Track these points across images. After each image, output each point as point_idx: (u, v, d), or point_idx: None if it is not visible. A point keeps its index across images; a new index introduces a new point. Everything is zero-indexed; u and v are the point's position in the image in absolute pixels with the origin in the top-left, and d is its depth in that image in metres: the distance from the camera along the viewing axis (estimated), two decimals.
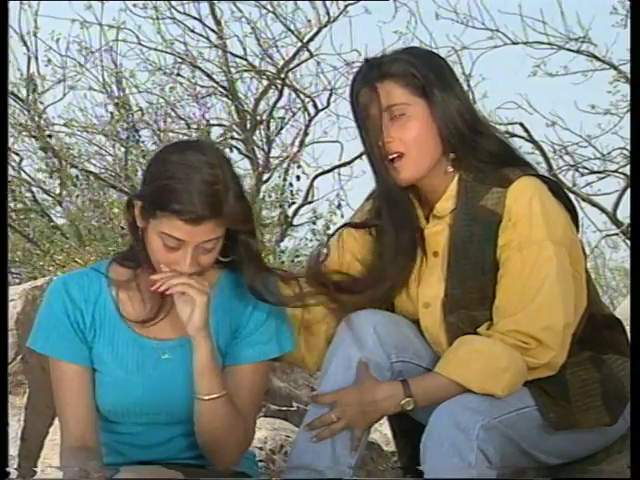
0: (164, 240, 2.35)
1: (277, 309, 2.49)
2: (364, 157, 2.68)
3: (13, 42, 9.19)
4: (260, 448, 3.36)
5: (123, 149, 9.49)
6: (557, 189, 2.60)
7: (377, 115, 2.56)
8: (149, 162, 2.48)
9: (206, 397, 2.36)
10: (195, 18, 9.60)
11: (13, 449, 3.62)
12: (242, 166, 9.62)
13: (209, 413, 2.37)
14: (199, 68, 9.75)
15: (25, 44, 9.57)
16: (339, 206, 9.68)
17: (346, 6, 9.38)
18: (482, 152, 2.58)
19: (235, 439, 2.43)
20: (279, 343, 2.49)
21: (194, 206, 2.31)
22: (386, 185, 2.60)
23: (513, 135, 9.20)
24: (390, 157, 2.56)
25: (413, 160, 2.56)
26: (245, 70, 9.76)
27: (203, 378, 2.36)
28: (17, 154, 9.65)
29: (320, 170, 9.79)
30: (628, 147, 9.27)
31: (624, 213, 9.66)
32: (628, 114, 9.26)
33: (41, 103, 9.65)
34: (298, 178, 9.73)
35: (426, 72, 2.56)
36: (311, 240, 9.65)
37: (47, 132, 9.44)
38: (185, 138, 8.62)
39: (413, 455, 2.47)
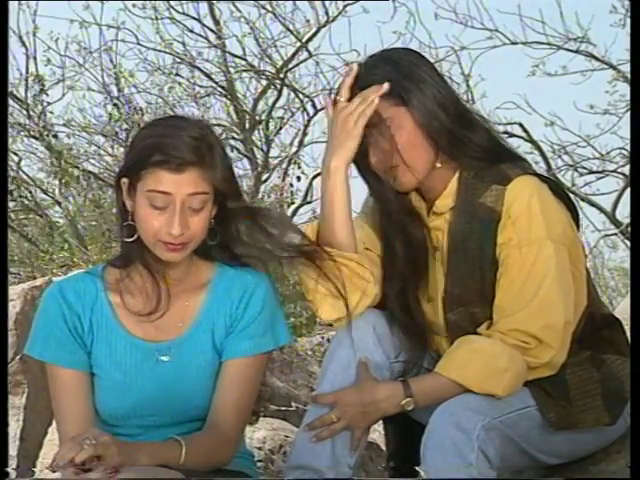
0: (151, 201, 2.35)
1: (272, 303, 2.49)
2: None
3: (11, 42, 9.20)
4: (259, 448, 3.37)
5: (122, 149, 9.48)
6: (557, 188, 2.60)
7: (364, 133, 2.56)
8: (133, 137, 2.50)
9: (180, 465, 2.33)
10: (194, 18, 9.60)
11: (12, 449, 3.62)
12: (241, 166, 9.64)
13: (190, 464, 2.34)
14: (198, 68, 9.75)
15: (24, 44, 9.57)
16: None
17: (345, 6, 9.38)
18: (473, 147, 2.57)
19: (221, 457, 2.42)
20: (274, 336, 2.48)
21: (177, 152, 2.33)
22: (381, 183, 2.61)
23: (512, 135, 9.20)
24: (386, 170, 2.57)
25: (409, 167, 2.56)
26: (244, 70, 9.76)
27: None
28: (16, 154, 9.65)
29: (319, 170, 9.78)
30: (627, 147, 9.27)
31: (623, 213, 9.66)
32: (627, 114, 9.26)
33: (48, 103, 9.65)
34: (299, 179, 9.74)
35: (401, 78, 2.55)
36: None
37: (52, 132, 9.45)
38: None
39: (407, 456, 2.48)
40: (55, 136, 9.50)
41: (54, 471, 2.21)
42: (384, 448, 3.42)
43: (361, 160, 2.60)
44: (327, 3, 9.35)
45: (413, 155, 2.55)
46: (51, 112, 9.65)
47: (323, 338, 5.63)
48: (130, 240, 2.42)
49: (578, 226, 2.63)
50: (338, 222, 2.59)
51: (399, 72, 2.56)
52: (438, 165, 2.58)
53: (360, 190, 2.72)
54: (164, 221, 2.35)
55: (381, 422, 2.73)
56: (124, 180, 2.41)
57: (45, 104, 9.60)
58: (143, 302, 2.45)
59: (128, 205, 2.41)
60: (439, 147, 2.56)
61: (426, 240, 2.63)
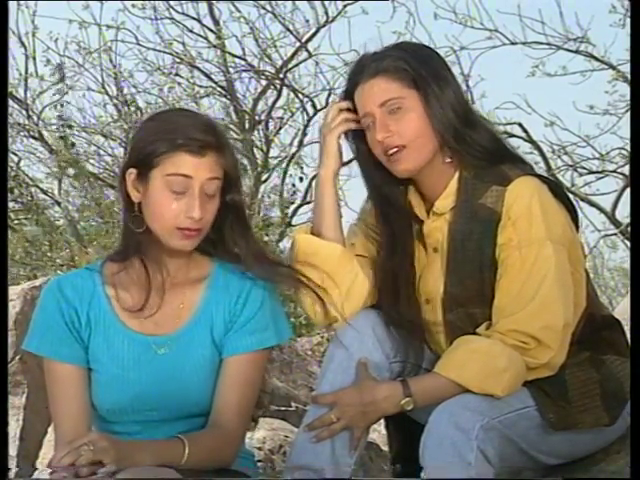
0: (170, 185, 2.37)
1: (272, 297, 2.48)
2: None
3: (11, 43, 9.20)
4: (259, 448, 3.37)
5: (122, 149, 9.49)
6: (557, 189, 2.60)
7: (374, 112, 2.57)
8: (139, 127, 2.52)
9: (182, 464, 2.31)
10: (194, 18, 9.61)
11: (12, 449, 3.62)
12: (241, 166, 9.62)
13: (193, 464, 2.33)
14: (197, 68, 9.76)
15: (23, 45, 9.58)
16: None
17: (344, 6, 9.39)
18: (475, 146, 2.58)
19: (224, 456, 2.42)
20: (276, 331, 2.48)
21: (199, 134, 2.37)
22: (381, 181, 2.63)
23: (512, 135, 9.19)
24: (390, 152, 2.57)
25: (413, 151, 2.57)
26: (244, 70, 9.77)
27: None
28: (15, 154, 9.66)
29: None
30: (627, 147, 9.27)
31: (623, 213, 9.67)
32: (627, 114, 9.26)
33: (64, 94, 9.66)
34: (301, 179, 9.75)
35: (416, 64, 2.58)
36: None
37: (68, 124, 9.47)
38: None
39: (410, 456, 2.48)
40: (70, 127, 9.51)
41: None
42: (384, 448, 3.43)
43: (361, 143, 2.63)
44: (327, 3, 9.37)
45: (418, 139, 2.56)
46: (68, 102, 9.66)
47: (323, 338, 5.64)
48: (140, 231, 2.42)
49: (578, 227, 2.64)
50: (326, 226, 2.63)
51: (415, 59, 2.59)
52: (448, 160, 2.59)
53: (360, 191, 2.74)
54: (183, 206, 2.37)
55: (382, 422, 2.73)
56: (131, 171, 2.41)
57: (64, 94, 9.60)
58: (137, 296, 2.45)
59: (134, 197, 2.42)
60: (443, 140, 2.57)
61: (421, 239, 2.63)
